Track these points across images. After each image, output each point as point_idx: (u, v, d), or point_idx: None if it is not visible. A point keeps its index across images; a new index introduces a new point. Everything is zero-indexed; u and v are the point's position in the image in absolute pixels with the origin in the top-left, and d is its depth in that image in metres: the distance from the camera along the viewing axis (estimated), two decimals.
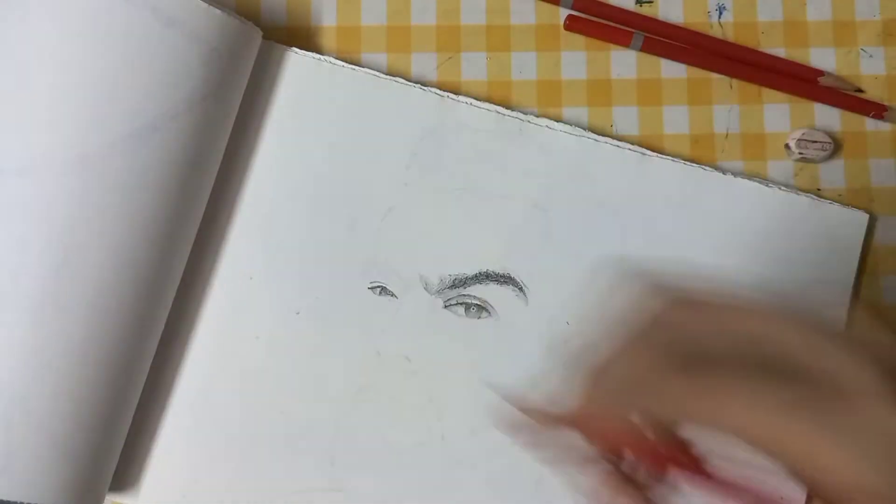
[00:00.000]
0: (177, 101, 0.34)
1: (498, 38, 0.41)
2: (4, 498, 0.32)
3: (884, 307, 0.39)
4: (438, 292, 0.38)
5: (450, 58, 0.41)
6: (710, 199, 0.39)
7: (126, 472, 0.37)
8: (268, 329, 0.38)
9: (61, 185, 0.33)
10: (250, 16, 0.38)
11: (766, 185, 0.39)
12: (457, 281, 0.38)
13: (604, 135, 0.39)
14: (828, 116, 0.40)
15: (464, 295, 0.38)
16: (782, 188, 0.39)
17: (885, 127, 0.40)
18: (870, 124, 0.40)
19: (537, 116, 0.39)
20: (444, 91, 0.39)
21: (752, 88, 0.41)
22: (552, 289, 0.38)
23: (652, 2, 0.41)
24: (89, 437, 0.34)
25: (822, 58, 0.41)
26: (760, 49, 0.41)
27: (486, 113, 0.39)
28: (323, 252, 0.39)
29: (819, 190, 0.40)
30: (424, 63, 0.40)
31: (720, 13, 0.41)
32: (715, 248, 0.39)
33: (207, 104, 0.35)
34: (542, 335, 0.38)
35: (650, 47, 0.40)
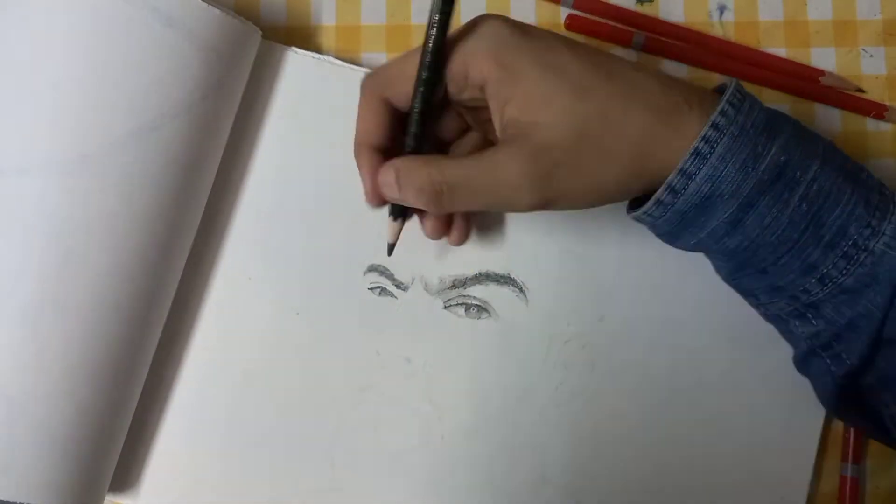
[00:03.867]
0: (177, 101, 0.34)
1: None
2: (5, 498, 0.32)
3: None
4: (438, 293, 0.38)
5: None
6: None
7: (126, 473, 0.37)
8: (268, 329, 0.38)
9: (61, 185, 0.33)
10: (250, 16, 0.38)
11: None
12: (457, 281, 0.38)
13: None
14: (828, 116, 0.40)
15: (464, 295, 0.38)
16: None
17: (885, 127, 0.40)
18: (870, 124, 0.40)
19: None
20: None
21: (753, 88, 0.40)
22: (552, 289, 0.38)
23: (652, 1, 0.41)
24: (89, 438, 0.34)
25: (823, 57, 0.41)
26: (761, 49, 0.41)
27: None
28: (323, 252, 0.39)
29: None
30: None
31: (721, 13, 0.41)
32: None
33: (207, 104, 0.35)
34: (542, 335, 0.38)
35: (651, 47, 0.40)
